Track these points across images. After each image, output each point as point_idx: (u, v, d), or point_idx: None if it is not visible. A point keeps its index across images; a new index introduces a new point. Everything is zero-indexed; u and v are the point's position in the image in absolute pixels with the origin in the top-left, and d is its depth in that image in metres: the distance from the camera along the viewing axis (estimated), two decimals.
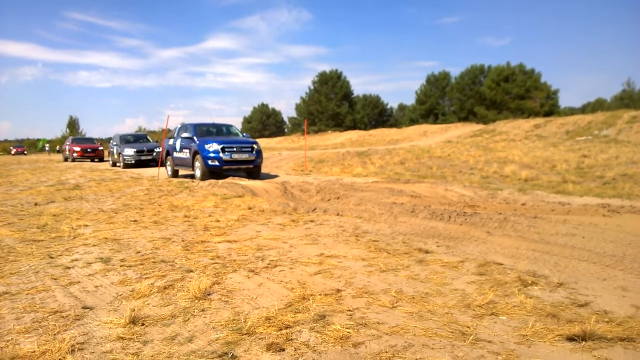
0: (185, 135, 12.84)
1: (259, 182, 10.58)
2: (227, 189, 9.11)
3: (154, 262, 3.94)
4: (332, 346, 2.26)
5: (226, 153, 11.81)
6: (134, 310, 2.72)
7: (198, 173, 12.10)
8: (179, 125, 14.70)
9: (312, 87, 62.99)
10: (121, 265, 3.86)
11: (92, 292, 3.26)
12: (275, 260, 3.88)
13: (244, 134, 14.26)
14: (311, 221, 5.67)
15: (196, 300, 2.95)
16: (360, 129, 55.16)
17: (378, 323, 2.56)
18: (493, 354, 2.15)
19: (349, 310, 2.75)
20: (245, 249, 4.33)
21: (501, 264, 3.63)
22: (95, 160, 25.94)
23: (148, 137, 23.45)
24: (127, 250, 4.40)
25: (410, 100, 72.00)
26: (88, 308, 2.94)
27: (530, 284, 3.15)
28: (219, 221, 5.78)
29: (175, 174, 13.96)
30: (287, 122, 69.64)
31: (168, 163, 14.30)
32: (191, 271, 3.60)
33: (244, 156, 12.14)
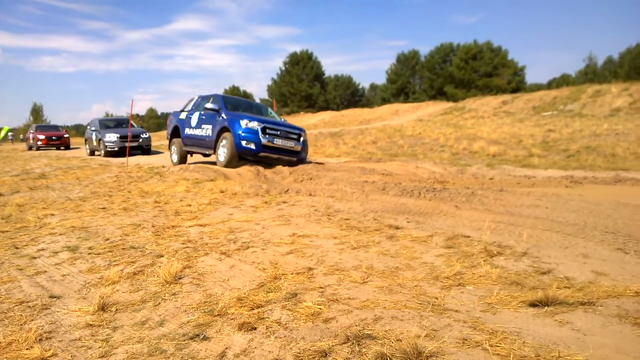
0: (210, 106, 10.18)
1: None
2: (198, 173, 8.98)
3: (124, 248, 3.87)
4: (303, 323, 2.29)
5: (267, 136, 9.39)
6: (103, 297, 2.68)
7: (222, 157, 9.67)
8: (196, 98, 11.97)
9: (283, 69, 62.26)
10: (89, 253, 3.77)
11: (59, 281, 3.18)
12: (248, 242, 3.87)
13: (282, 119, 11.62)
14: (284, 202, 5.67)
15: (167, 285, 2.92)
16: (332, 109, 55.06)
17: (349, 298, 2.60)
18: (459, 322, 2.22)
19: (321, 288, 2.78)
20: (217, 232, 4.30)
21: (468, 237, 3.73)
22: (61, 148, 25.04)
23: (132, 121, 21.92)
24: (96, 238, 4.30)
25: (381, 80, 72.11)
26: (55, 297, 2.87)
27: (496, 255, 3.25)
28: (190, 205, 5.70)
29: (183, 159, 11.62)
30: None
31: (173, 147, 11.88)
32: (162, 256, 3.55)
33: (289, 144, 9.76)
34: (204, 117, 10.63)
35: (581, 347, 1.96)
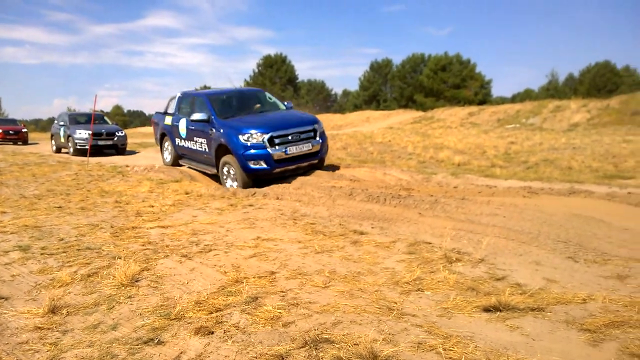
0: (197, 117, 8.21)
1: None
2: (163, 174, 8.79)
3: (79, 249, 3.74)
4: (262, 327, 2.27)
5: (277, 147, 7.45)
6: (54, 299, 2.58)
7: (229, 181, 7.87)
8: (178, 95, 9.91)
9: (256, 70, 61.91)
10: (42, 254, 3.63)
11: (9, 281, 3.05)
12: (210, 245, 3.81)
13: (285, 103, 9.57)
14: (250, 205, 5.62)
15: (123, 288, 2.84)
16: None
17: (310, 302, 2.60)
18: (416, 327, 2.26)
19: (282, 292, 2.77)
20: (179, 234, 4.21)
21: (430, 243, 3.81)
22: (19, 143, 23.96)
23: (105, 117, 19.06)
24: (49, 237, 4.13)
25: (354, 86, 72.78)
26: (3, 298, 2.75)
27: (454, 261, 3.33)
28: (153, 206, 5.57)
29: (177, 160, 9.86)
30: None
31: (166, 143, 10.18)
32: (119, 258, 3.45)
33: (306, 147, 7.77)
34: (192, 128, 8.80)
35: (530, 351, 2.03)
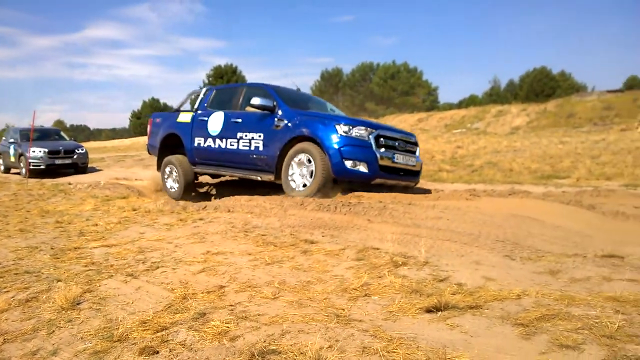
0: (258, 102, 6.54)
1: (146, 181, 10.01)
2: (109, 190, 8.49)
3: (16, 273, 3.55)
4: (209, 343, 2.26)
5: (384, 149, 6.17)
6: None
7: (299, 184, 6.25)
8: (204, 90, 8.23)
9: (206, 81, 61.06)
10: None
11: None
12: (158, 262, 3.73)
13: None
14: (200, 219, 5.54)
15: (63, 311, 2.73)
16: None
17: (259, 315, 2.61)
18: (362, 331, 2.33)
19: (231, 305, 2.77)
20: (125, 252, 4.09)
21: (378, 249, 3.92)
22: None
23: (62, 133, 17.36)
24: None
25: None
26: None
27: (400, 265, 3.45)
28: (97, 225, 5.37)
29: (189, 187, 7.96)
30: None
31: (169, 168, 8.15)
32: (59, 280, 3.31)
33: (411, 161, 6.58)
34: (239, 120, 7.03)
35: (467, 348, 2.15)
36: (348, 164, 5.84)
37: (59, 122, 75.67)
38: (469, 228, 4.39)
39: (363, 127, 6.07)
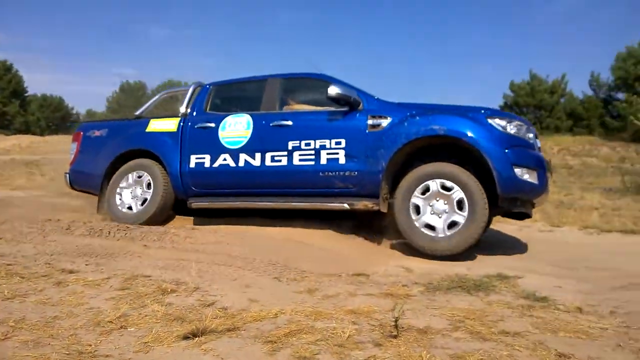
0: (335, 91, 4.62)
1: None
2: None
3: None
4: None
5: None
6: None
7: (443, 215, 4.43)
8: (204, 86, 6.11)
9: None
10: None
11: None
12: None
13: None
14: None
15: None
16: (35, 133, 46.66)
17: None
18: None
19: None
20: None
21: (149, 276, 3.71)
22: None
23: None
24: None
25: (101, 107, 66.35)
26: None
27: (170, 292, 3.33)
28: None
29: (161, 212, 5.84)
30: None
31: (119, 190, 5.94)
32: None
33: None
34: (286, 124, 5.11)
35: None
36: (519, 172, 4.26)
37: None
38: (247, 252, 4.55)
39: (519, 122, 4.60)
